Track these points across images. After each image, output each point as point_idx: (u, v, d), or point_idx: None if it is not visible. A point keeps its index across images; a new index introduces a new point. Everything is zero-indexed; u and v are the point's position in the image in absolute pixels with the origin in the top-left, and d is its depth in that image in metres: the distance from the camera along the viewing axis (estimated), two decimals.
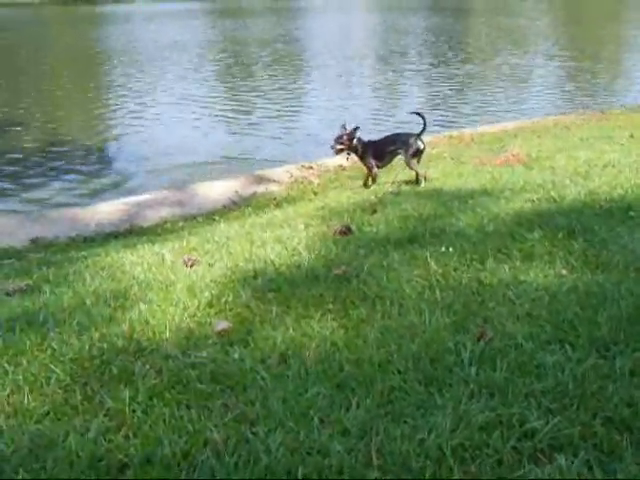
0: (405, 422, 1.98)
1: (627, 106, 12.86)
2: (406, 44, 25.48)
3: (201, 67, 20.02)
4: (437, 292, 2.90)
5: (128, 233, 6.64)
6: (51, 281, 3.60)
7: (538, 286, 2.90)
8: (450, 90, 15.68)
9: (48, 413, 2.13)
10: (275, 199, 7.39)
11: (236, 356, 2.41)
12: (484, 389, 2.12)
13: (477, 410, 2.00)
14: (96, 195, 8.43)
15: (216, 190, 8.12)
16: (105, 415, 2.10)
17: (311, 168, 8.84)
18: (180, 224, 6.82)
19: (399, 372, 2.25)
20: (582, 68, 18.63)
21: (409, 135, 6.42)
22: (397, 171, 6.37)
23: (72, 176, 9.34)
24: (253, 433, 1.96)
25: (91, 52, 24.66)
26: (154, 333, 2.65)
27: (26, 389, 2.25)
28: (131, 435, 1.99)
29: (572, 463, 1.77)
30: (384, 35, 29.86)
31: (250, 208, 7.12)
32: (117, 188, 8.73)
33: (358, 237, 3.91)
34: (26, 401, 2.19)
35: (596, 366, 2.21)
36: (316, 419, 2.01)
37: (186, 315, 2.81)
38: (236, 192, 7.97)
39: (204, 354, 2.44)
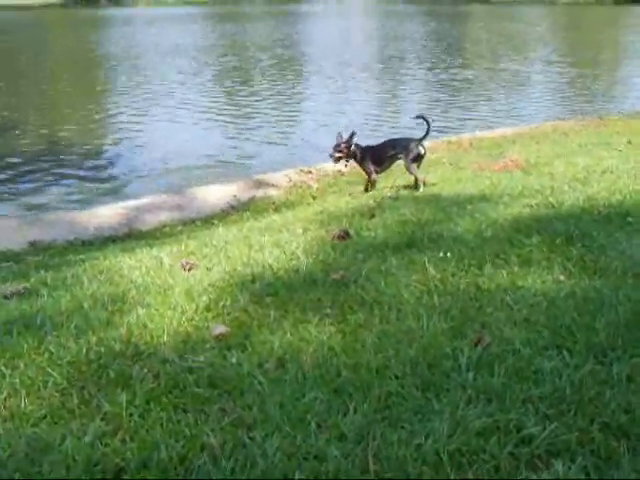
0: (402, 427, 1.97)
1: (625, 112, 12.90)
2: (404, 49, 25.56)
3: (200, 72, 20.04)
4: (435, 297, 2.89)
5: (127, 237, 6.64)
6: (49, 284, 3.60)
7: (536, 292, 2.90)
8: (449, 96, 15.73)
9: (45, 417, 2.13)
10: (274, 203, 7.39)
11: (233, 360, 2.41)
12: (481, 394, 2.11)
13: (474, 416, 1.99)
14: (95, 199, 8.40)
15: (215, 194, 8.13)
16: (102, 419, 2.09)
17: (310, 173, 8.86)
18: (179, 228, 6.82)
19: (396, 377, 2.24)
20: (581, 74, 18.70)
21: (409, 140, 6.44)
22: (396, 176, 6.38)
23: (71, 180, 9.31)
24: (250, 438, 1.96)
25: (91, 55, 24.68)
26: (152, 337, 2.64)
27: (23, 392, 2.25)
28: (128, 439, 1.98)
29: (569, 469, 1.77)
30: (383, 40, 29.94)
31: (249, 212, 7.12)
32: (116, 192, 8.72)
33: (356, 242, 3.91)
34: (23, 405, 2.19)
35: (594, 372, 2.21)
36: (313, 424, 2.00)
37: (184, 319, 2.81)
38: (235, 196, 7.97)
39: (201, 358, 2.44)
